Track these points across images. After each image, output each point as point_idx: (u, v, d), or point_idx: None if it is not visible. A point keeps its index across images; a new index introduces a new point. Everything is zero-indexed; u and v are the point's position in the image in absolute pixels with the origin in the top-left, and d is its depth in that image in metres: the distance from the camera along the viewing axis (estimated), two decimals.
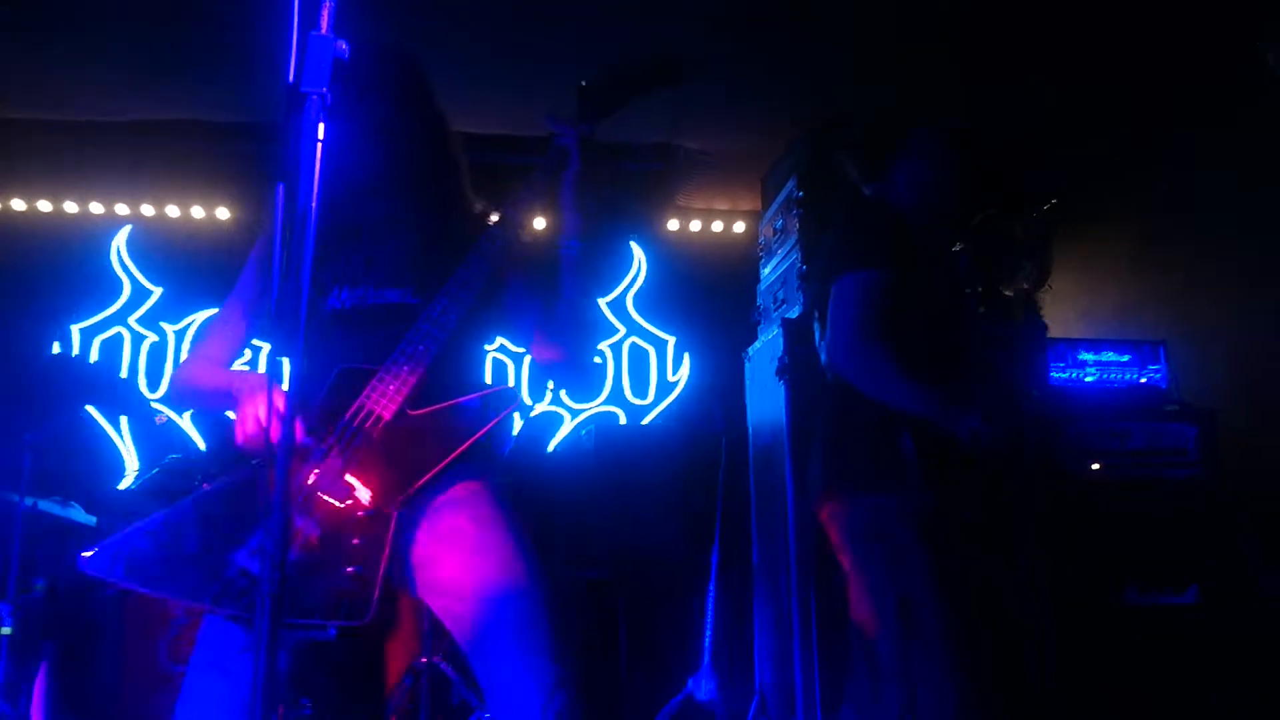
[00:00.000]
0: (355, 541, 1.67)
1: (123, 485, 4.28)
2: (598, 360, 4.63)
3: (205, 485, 1.77)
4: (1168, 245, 3.98)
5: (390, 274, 1.88)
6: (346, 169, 1.89)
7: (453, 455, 1.75)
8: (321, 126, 1.31)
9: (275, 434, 1.35)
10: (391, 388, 1.73)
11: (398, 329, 1.79)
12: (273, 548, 1.20)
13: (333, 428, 1.73)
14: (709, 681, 3.34)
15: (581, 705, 1.74)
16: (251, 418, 1.68)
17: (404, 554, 1.77)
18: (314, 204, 1.27)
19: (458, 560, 1.75)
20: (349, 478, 1.70)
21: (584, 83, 1.92)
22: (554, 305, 1.92)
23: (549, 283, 1.93)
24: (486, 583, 1.72)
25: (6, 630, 3.26)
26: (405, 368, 1.74)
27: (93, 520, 3.55)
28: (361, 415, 1.73)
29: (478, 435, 1.76)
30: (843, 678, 3.13)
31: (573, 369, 1.97)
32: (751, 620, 3.62)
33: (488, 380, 2.04)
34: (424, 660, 3.31)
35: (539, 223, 1.99)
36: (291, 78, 1.32)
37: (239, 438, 1.70)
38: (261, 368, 4.31)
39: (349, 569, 1.64)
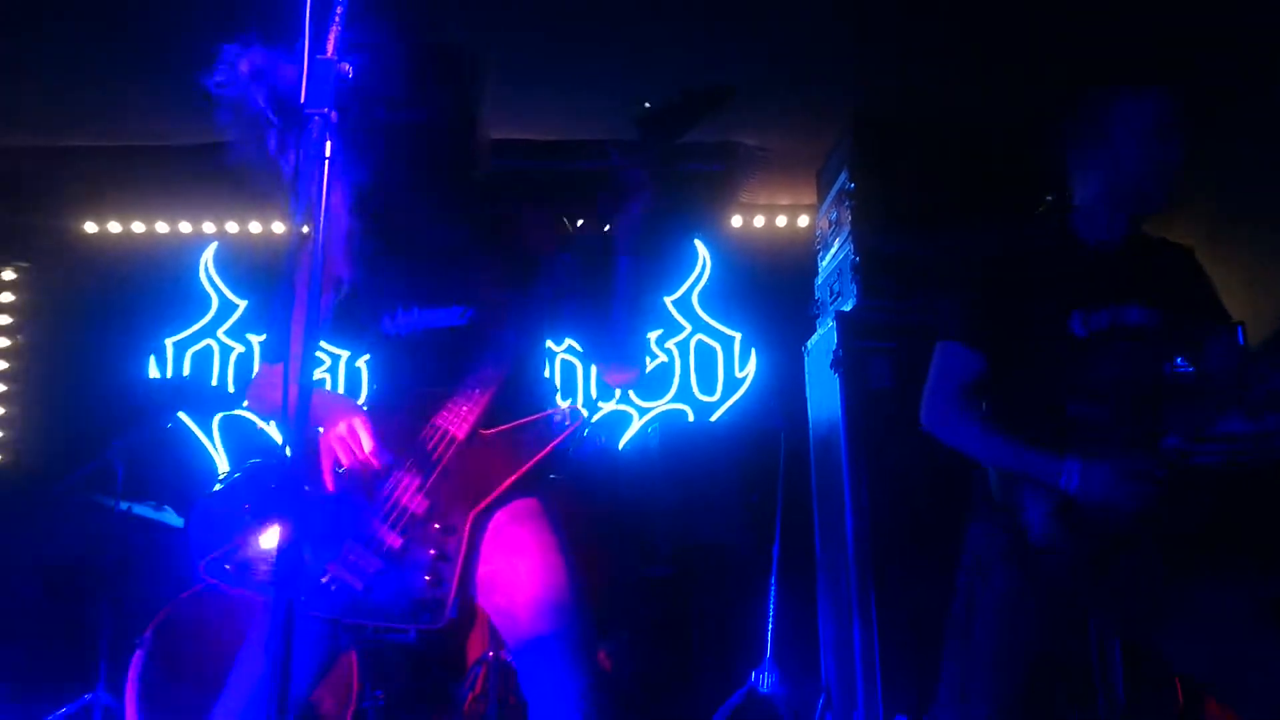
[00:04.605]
0: (431, 552, 1.80)
1: (213, 490, 4.50)
2: (656, 361, 4.65)
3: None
4: (1243, 224, 3.83)
5: (443, 296, 1.97)
6: (393, 194, 1.98)
7: (518, 474, 1.87)
8: (329, 144, 1.39)
9: (372, 462, 1.74)
10: (464, 409, 1.85)
11: (459, 350, 1.91)
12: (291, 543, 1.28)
13: (410, 447, 1.86)
14: (771, 674, 3.35)
15: (613, 710, 1.83)
16: (346, 450, 1.83)
17: (470, 560, 1.88)
18: (321, 218, 1.35)
19: (511, 570, 1.87)
20: (426, 494, 1.83)
21: (645, 106, 1.93)
22: (606, 323, 1.99)
23: (604, 299, 1.99)
24: (535, 594, 1.84)
25: (107, 625, 3.49)
26: (475, 390, 1.86)
27: (181, 522, 3.75)
28: (437, 436, 1.85)
29: (541, 455, 1.88)
30: (909, 675, 3.13)
31: (635, 385, 2.06)
32: (815, 614, 3.62)
33: (556, 381, 2.14)
34: (490, 654, 3.40)
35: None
36: (301, 99, 1.40)
37: (343, 462, 1.84)
38: (331, 385, 4.48)
39: (426, 577, 1.78)
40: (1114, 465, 1.90)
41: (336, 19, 1.46)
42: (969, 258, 2.21)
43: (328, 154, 1.39)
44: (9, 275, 4.81)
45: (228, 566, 1.87)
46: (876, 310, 3.35)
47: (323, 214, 1.37)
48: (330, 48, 1.43)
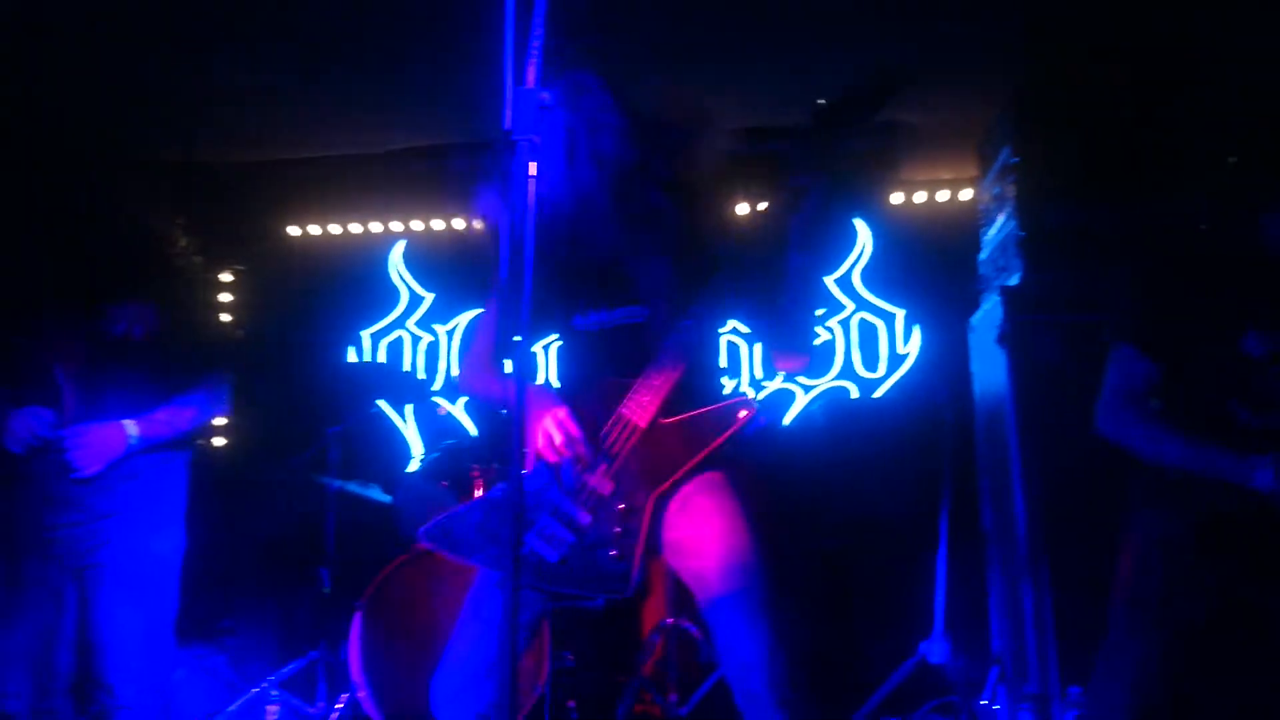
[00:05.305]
0: (617, 529, 2.00)
1: (410, 468, 4.91)
2: (820, 339, 4.72)
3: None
4: None
5: (629, 296, 2.14)
6: (583, 204, 2.18)
7: (697, 459, 2.03)
8: (533, 166, 1.58)
9: (564, 450, 1.96)
10: (645, 398, 2.03)
11: (641, 344, 2.08)
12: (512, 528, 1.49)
13: (598, 433, 2.06)
14: (942, 645, 3.42)
15: (801, 667, 1.98)
16: (544, 436, 2.04)
17: (659, 528, 2.07)
18: (529, 235, 1.54)
19: (699, 536, 2.03)
20: (612, 478, 2.03)
21: (820, 103, 2.02)
22: (777, 312, 2.11)
23: (775, 288, 2.13)
24: (722, 555, 2.00)
25: (326, 590, 3.91)
26: (656, 381, 2.03)
27: (388, 498, 4.13)
28: (621, 423, 2.04)
29: (717, 442, 2.03)
30: (1082, 648, 3.13)
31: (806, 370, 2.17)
32: (984, 586, 3.65)
33: (723, 363, 2.30)
34: (670, 621, 3.61)
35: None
36: (506, 125, 1.60)
37: (535, 450, 2.05)
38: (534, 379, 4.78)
39: (612, 552, 1.98)
40: None
41: (534, 52, 1.65)
42: (1148, 255, 2.17)
43: (532, 173, 1.58)
44: (228, 277, 5.35)
45: (439, 535, 2.11)
46: (1042, 285, 3.34)
47: (530, 230, 1.56)
48: (530, 78, 1.62)
